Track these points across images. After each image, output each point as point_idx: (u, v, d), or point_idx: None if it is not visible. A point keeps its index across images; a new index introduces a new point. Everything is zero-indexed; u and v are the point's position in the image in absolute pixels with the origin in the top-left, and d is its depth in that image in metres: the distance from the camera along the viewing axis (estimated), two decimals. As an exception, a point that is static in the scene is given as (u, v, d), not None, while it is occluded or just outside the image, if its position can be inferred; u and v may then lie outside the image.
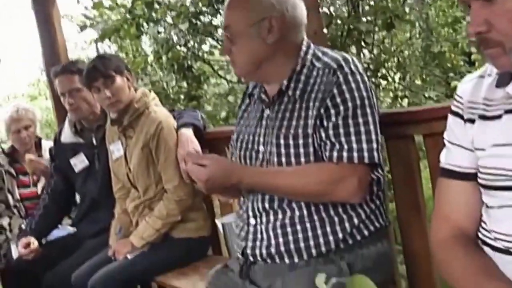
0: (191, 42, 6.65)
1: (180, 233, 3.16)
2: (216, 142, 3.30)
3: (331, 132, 1.94)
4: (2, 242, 4.12)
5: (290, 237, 2.01)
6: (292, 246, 2.01)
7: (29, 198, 4.21)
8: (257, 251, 2.07)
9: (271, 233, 2.04)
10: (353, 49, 6.09)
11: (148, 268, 3.11)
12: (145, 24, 6.50)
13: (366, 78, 2.01)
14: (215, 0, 6.19)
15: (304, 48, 2.11)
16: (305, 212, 2.01)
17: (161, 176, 3.11)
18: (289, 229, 2.02)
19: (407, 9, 6.85)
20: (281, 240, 2.02)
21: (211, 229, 3.26)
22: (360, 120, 1.94)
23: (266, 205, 2.06)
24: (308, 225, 2.00)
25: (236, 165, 2.18)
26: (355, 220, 2.02)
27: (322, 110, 1.96)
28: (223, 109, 6.50)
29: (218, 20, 6.39)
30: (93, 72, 3.05)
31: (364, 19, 5.92)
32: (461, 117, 1.58)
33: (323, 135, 1.96)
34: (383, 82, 6.87)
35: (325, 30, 3.27)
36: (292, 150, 2.00)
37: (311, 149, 1.98)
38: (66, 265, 3.36)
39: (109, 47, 7.36)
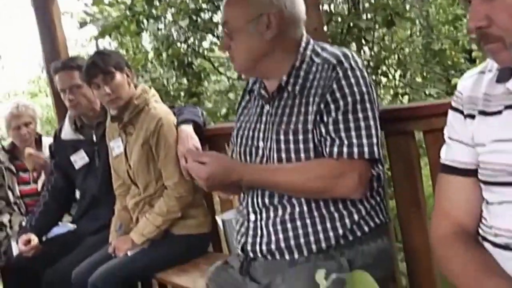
0: (191, 39, 6.65)
1: (181, 230, 3.16)
2: (216, 139, 3.31)
3: (331, 127, 1.94)
4: (2, 239, 4.12)
5: (290, 233, 2.01)
6: (292, 242, 2.00)
7: (29, 195, 4.21)
8: (257, 247, 2.07)
9: (271, 229, 2.04)
10: (353, 47, 6.08)
11: (149, 265, 3.11)
12: (145, 20, 6.50)
13: (366, 74, 2.01)
14: (215, -4, 6.20)
15: (303, 44, 2.11)
16: (305, 208, 2.01)
17: (161, 172, 3.11)
18: (289, 225, 2.01)
19: (407, 7, 6.84)
20: (281, 236, 2.02)
21: (212, 225, 3.26)
22: (360, 115, 1.94)
23: (266, 201, 2.06)
24: (308, 221, 2.00)
25: (236, 163, 2.18)
26: (355, 216, 2.02)
27: (322, 106, 1.96)
28: (224, 106, 6.49)
29: (218, 17, 6.37)
30: (93, 68, 3.04)
31: (364, 17, 5.92)
32: (461, 112, 1.58)
33: (323, 130, 1.96)
34: (384, 80, 6.87)
35: (325, 28, 3.26)
36: (292, 146, 2.00)
37: (311, 145, 1.98)
38: (66, 262, 3.36)
39: (109, 44, 7.35)
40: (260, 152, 2.11)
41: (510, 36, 1.33)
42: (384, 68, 6.67)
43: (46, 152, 4.09)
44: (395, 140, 2.38)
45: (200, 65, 7.00)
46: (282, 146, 2.02)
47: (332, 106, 1.94)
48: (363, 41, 6.22)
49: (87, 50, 9.61)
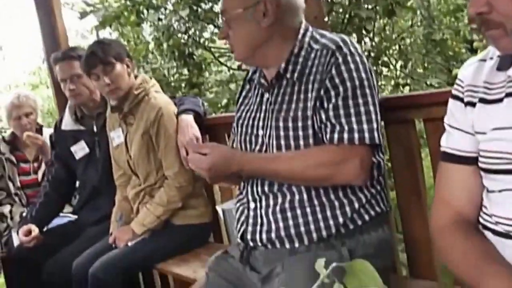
0: (192, 29, 6.63)
1: (181, 220, 3.16)
2: (216, 129, 3.31)
3: (331, 113, 1.94)
4: (3, 230, 4.13)
5: (291, 222, 2.00)
6: (292, 230, 2.00)
7: (29, 186, 4.22)
8: (257, 236, 2.06)
9: (271, 218, 2.04)
10: (354, 37, 6.07)
11: (149, 255, 3.11)
12: (145, 11, 6.49)
13: (365, 59, 2.00)
14: (216, -14, 6.18)
15: (302, 31, 2.11)
16: (305, 196, 2.00)
17: (161, 162, 3.10)
18: (289, 214, 2.01)
19: (408, -4, 6.84)
20: (281, 224, 2.02)
21: (212, 215, 3.26)
22: (360, 100, 1.93)
23: (266, 189, 2.06)
24: (308, 209, 1.99)
25: (236, 152, 2.17)
26: (356, 205, 2.01)
27: (322, 92, 1.96)
28: (224, 96, 6.48)
29: (218, 7, 6.35)
30: (92, 58, 3.03)
31: (365, 6, 5.90)
32: (462, 100, 1.57)
33: (323, 116, 1.96)
34: (385, 70, 6.86)
35: (325, 18, 3.25)
36: (291, 133, 2.00)
37: (310, 131, 1.98)
38: (67, 252, 3.36)
39: (110, 35, 7.34)
40: (260, 140, 2.11)
41: (511, 22, 1.32)
42: (385, 58, 6.65)
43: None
44: (395, 129, 2.38)
45: (200, 56, 6.99)
46: (281, 133, 2.01)
47: (332, 92, 1.94)
48: (364, 32, 6.20)
49: (87, 41, 9.58)
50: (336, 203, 1.99)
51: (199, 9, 6.37)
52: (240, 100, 2.34)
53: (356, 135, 1.91)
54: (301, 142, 1.99)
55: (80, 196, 3.78)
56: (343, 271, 1.12)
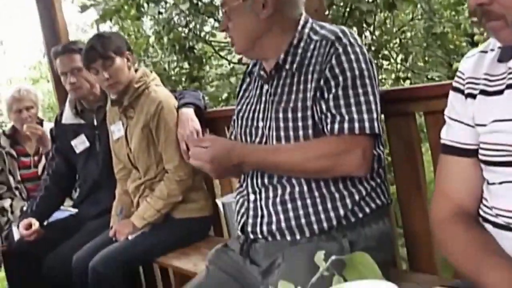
0: (193, 23, 6.63)
1: (181, 214, 3.16)
2: (216, 122, 3.30)
3: (331, 103, 1.94)
4: (4, 224, 4.14)
5: (291, 214, 2.00)
6: (293, 222, 2.00)
7: (30, 179, 4.23)
8: (258, 228, 2.06)
9: (271, 209, 2.04)
10: (355, 30, 6.05)
11: (149, 249, 3.11)
12: (145, 4, 6.48)
13: (365, 50, 2.00)
14: (216, -20, 6.17)
15: (301, 22, 2.11)
16: (305, 188, 2.00)
17: (162, 156, 3.10)
18: (289, 205, 2.01)
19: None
20: (282, 216, 2.01)
21: (212, 209, 3.26)
22: (360, 90, 1.93)
23: (266, 181, 2.06)
24: (308, 201, 1.99)
25: (237, 144, 2.17)
26: (356, 197, 2.01)
27: (321, 82, 1.96)
28: (225, 90, 6.48)
29: (219, 0, 6.35)
30: (92, 53, 3.02)
31: (365, -1, 5.89)
32: (462, 92, 1.56)
33: (323, 107, 1.95)
34: (385, 63, 6.86)
35: (326, 12, 3.24)
36: (290, 124, 1.99)
37: (310, 122, 1.97)
38: (68, 246, 3.36)
39: (110, 28, 7.33)
40: (260, 132, 2.11)
41: (512, 13, 1.31)
42: (386, 52, 6.65)
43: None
44: (395, 122, 2.37)
45: (201, 49, 6.99)
46: (281, 124, 2.01)
47: (332, 83, 1.94)
48: (365, 25, 6.19)
49: (88, 35, 9.57)
50: (337, 195, 1.99)
51: (200, 3, 6.37)
52: (241, 93, 2.34)
53: (356, 125, 1.91)
54: (300, 133, 1.98)
55: (81, 190, 3.78)
56: (343, 263, 1.12)
